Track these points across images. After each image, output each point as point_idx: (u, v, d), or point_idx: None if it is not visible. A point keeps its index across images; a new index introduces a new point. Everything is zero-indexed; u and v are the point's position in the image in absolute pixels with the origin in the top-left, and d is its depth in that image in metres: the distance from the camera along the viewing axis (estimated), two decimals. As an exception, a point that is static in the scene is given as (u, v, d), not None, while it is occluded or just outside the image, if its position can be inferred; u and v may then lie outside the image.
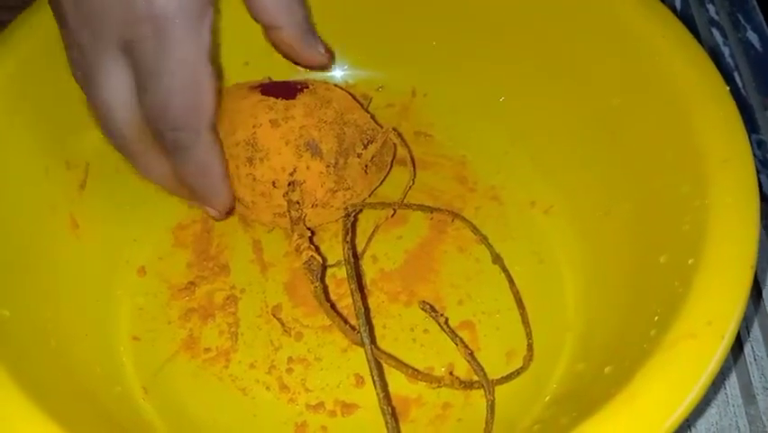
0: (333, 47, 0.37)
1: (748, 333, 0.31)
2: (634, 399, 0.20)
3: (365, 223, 0.34)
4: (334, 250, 0.33)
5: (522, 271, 0.32)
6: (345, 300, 0.32)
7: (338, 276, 0.32)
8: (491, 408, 0.27)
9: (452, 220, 0.34)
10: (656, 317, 0.24)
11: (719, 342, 0.21)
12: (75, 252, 0.30)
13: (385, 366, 0.28)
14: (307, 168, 0.30)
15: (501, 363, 0.29)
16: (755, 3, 0.43)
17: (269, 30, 0.29)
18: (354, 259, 0.32)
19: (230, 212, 0.31)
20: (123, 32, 0.24)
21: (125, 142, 0.26)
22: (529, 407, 0.27)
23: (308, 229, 0.30)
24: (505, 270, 0.31)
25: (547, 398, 0.28)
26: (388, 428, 0.25)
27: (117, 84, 0.25)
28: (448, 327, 0.29)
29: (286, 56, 0.30)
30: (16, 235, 0.27)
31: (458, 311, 0.31)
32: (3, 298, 0.25)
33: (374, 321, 0.31)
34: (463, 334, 0.31)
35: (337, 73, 0.37)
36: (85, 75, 0.25)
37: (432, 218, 0.34)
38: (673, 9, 0.42)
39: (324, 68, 0.33)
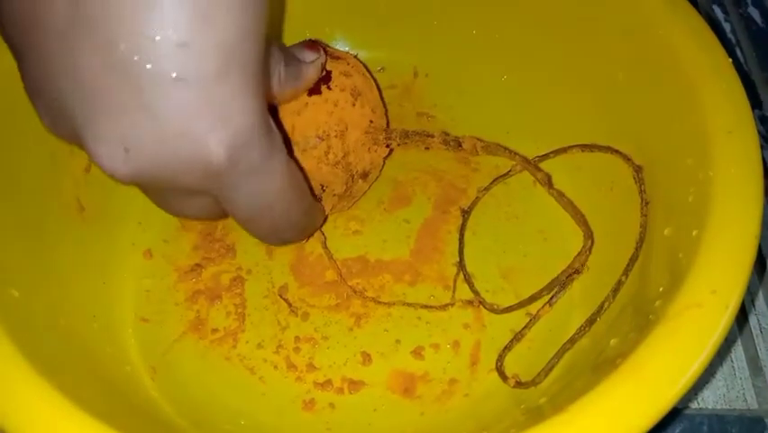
0: (334, 29, 0.37)
1: (753, 304, 0.32)
2: (639, 368, 0.20)
3: (369, 202, 0.34)
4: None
5: (527, 250, 0.32)
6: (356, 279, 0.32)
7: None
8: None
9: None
10: (661, 289, 0.24)
11: (724, 311, 0.21)
12: (81, 234, 0.30)
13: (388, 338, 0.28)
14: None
15: (506, 338, 0.30)
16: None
17: None
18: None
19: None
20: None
21: None
22: (536, 381, 0.27)
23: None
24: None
25: (554, 373, 0.28)
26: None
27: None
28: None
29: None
30: (24, 219, 0.27)
31: (463, 290, 0.31)
32: (12, 279, 0.25)
33: (379, 300, 0.31)
34: (468, 312, 0.31)
35: (339, 55, 0.37)
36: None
37: (435, 199, 0.34)
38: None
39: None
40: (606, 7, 0.30)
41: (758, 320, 0.31)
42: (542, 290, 0.30)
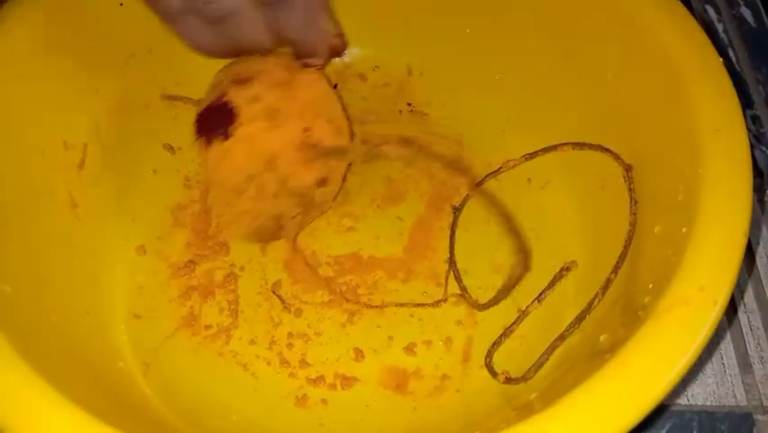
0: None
1: (743, 301, 0.32)
2: (628, 363, 0.21)
3: (363, 199, 0.34)
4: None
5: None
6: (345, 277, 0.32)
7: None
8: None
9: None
10: (651, 285, 0.24)
11: (712, 308, 0.21)
12: (74, 231, 0.30)
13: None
14: None
15: (498, 334, 0.30)
16: (749, -21, 0.43)
17: None
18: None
19: (333, 51, 0.31)
20: None
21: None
22: (526, 376, 0.28)
23: None
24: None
25: (544, 368, 0.28)
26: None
27: None
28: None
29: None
30: (16, 215, 0.27)
31: (455, 287, 0.32)
32: (4, 275, 0.25)
33: (372, 297, 0.31)
34: (460, 309, 0.31)
35: (333, 52, 0.38)
36: None
37: (428, 197, 0.34)
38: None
39: (339, 48, 0.33)
40: (596, 6, 0.30)
41: (748, 317, 0.32)
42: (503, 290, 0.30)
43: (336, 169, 0.31)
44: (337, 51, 0.32)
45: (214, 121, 0.28)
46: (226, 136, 0.28)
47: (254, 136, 0.28)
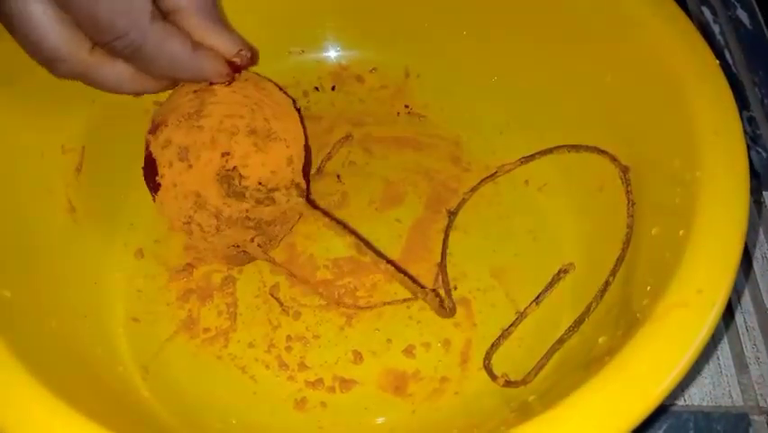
0: (325, 30, 0.37)
1: (739, 302, 0.32)
2: (626, 366, 0.21)
3: (361, 201, 0.34)
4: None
5: (517, 250, 0.33)
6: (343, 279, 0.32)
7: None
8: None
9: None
10: (649, 288, 0.24)
11: (710, 310, 0.22)
12: (72, 235, 0.30)
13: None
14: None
15: (496, 336, 0.30)
16: (745, -19, 0.43)
17: (168, 16, 0.26)
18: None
19: (237, 68, 0.28)
20: None
21: (72, 63, 0.25)
22: (526, 380, 0.28)
23: None
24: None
25: (543, 370, 0.28)
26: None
27: (40, 9, 0.23)
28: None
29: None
30: (14, 219, 0.27)
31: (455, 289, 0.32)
32: (3, 279, 0.25)
33: (372, 299, 0.31)
34: (459, 311, 0.31)
35: (331, 54, 0.38)
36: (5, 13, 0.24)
37: (426, 199, 0.34)
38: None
39: (243, 64, 0.28)
40: (594, 9, 0.30)
41: (744, 318, 0.32)
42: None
43: (271, 180, 0.29)
44: (239, 68, 0.28)
45: (148, 175, 0.29)
46: (156, 190, 0.29)
47: (175, 181, 0.28)
